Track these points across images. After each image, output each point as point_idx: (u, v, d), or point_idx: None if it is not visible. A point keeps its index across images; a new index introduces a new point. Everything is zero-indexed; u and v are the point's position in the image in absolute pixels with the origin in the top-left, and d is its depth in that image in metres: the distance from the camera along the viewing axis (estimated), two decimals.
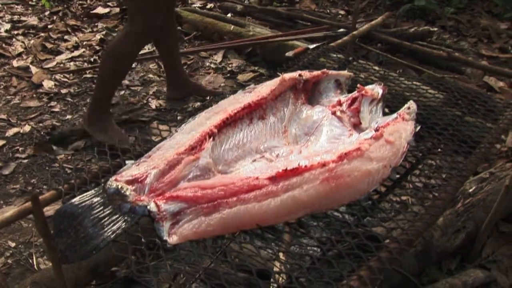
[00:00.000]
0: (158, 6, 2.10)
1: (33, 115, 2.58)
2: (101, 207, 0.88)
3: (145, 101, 2.79)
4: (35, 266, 1.70)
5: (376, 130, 1.09)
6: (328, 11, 4.15)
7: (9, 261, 1.73)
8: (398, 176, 1.07)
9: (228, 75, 3.14)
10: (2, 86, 2.85)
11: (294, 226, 1.01)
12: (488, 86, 2.96)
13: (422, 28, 3.30)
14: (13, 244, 1.79)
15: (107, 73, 2.26)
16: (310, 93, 1.29)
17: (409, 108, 1.19)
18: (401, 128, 1.09)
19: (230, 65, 3.25)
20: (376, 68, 1.68)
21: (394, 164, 1.01)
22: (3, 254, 1.75)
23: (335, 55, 1.71)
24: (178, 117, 2.59)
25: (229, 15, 3.87)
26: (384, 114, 1.26)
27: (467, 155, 1.14)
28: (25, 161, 2.22)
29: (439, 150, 1.22)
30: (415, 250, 1.65)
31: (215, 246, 1.58)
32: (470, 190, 1.92)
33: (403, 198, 1.06)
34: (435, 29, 3.46)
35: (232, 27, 3.45)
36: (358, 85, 1.27)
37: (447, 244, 1.73)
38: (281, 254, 1.09)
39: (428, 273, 1.73)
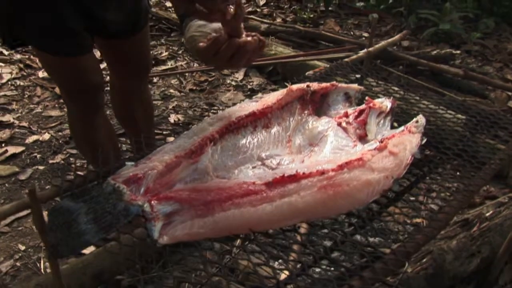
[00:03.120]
0: None
1: (53, 124, 2.64)
2: (97, 205, 0.88)
3: (164, 115, 2.82)
4: (42, 270, 1.71)
5: (381, 141, 1.07)
6: (352, 33, 4.16)
7: (18, 263, 1.75)
8: (401, 188, 1.04)
9: (248, 93, 3.16)
10: (26, 96, 2.93)
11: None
12: None
13: (445, 50, 3.27)
14: (23, 248, 1.81)
15: None
16: (318, 104, 1.28)
17: (417, 121, 1.17)
18: (406, 140, 1.07)
19: (251, 83, 3.27)
20: (395, 88, 1.62)
21: (396, 175, 0.99)
22: (12, 257, 1.77)
23: (352, 75, 1.68)
24: None
25: None
26: (392, 128, 1.24)
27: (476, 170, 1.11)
28: (42, 168, 2.26)
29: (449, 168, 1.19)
30: (426, 272, 1.60)
31: (223, 255, 1.57)
32: (487, 214, 1.86)
33: (404, 210, 1.03)
34: (458, 52, 3.42)
35: None
36: (367, 98, 1.25)
37: (460, 268, 1.67)
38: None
39: None
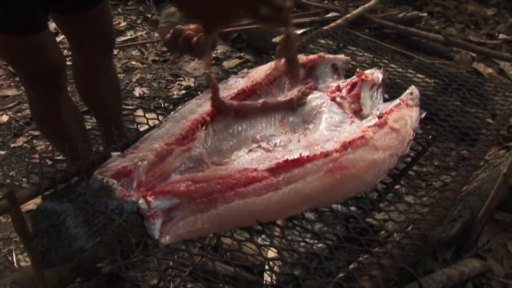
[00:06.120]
0: None
1: (11, 104, 2.46)
2: (85, 204, 0.80)
3: (128, 89, 2.69)
4: (15, 264, 1.61)
5: (379, 117, 1.02)
6: None
7: None
8: (404, 165, 1.01)
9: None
10: None
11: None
12: (477, 72, 2.93)
13: (411, 13, 3.24)
14: None
15: None
16: (306, 78, 1.22)
17: (411, 93, 1.13)
18: (406, 114, 1.03)
19: (215, 52, 3.16)
20: (369, 55, 1.59)
21: (400, 153, 0.95)
22: None
23: (324, 41, 1.62)
24: (164, 104, 2.52)
25: None
26: (384, 100, 1.19)
27: (473, 142, 1.08)
28: (3, 152, 2.11)
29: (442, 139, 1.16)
30: None
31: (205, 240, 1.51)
32: None
33: (410, 189, 1.00)
34: (424, 14, 3.40)
35: None
36: (358, 70, 1.20)
37: (443, 234, 1.69)
38: (271, 252, 1.02)
39: (424, 264, 1.69)
